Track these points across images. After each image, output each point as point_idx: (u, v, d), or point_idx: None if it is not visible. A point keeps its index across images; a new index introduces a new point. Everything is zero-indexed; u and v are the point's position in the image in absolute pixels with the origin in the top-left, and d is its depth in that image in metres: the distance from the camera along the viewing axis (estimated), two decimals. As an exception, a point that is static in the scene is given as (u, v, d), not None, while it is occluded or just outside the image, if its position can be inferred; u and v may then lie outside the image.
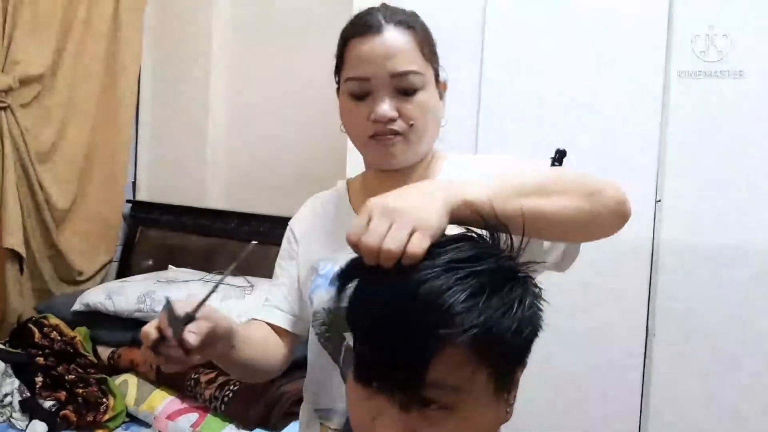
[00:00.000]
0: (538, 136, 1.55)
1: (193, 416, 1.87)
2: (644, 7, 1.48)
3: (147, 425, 1.93)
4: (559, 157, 1.02)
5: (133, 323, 2.07)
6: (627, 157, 1.48)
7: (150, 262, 2.68)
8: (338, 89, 0.99)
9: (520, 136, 1.58)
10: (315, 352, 1.01)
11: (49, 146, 2.57)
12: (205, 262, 2.45)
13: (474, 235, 0.66)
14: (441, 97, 1.00)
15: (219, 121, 2.69)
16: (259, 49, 2.56)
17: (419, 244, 0.62)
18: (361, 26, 0.94)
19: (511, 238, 0.67)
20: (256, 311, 1.08)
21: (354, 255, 0.66)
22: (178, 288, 2.05)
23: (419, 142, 0.95)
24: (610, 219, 0.86)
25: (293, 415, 1.76)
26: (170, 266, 2.51)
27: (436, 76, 0.98)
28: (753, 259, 1.38)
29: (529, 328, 0.62)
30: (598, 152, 1.51)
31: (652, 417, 1.47)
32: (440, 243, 0.63)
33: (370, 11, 0.96)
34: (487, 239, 0.66)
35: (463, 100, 1.62)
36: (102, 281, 2.72)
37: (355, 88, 0.94)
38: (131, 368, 2.07)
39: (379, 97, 0.92)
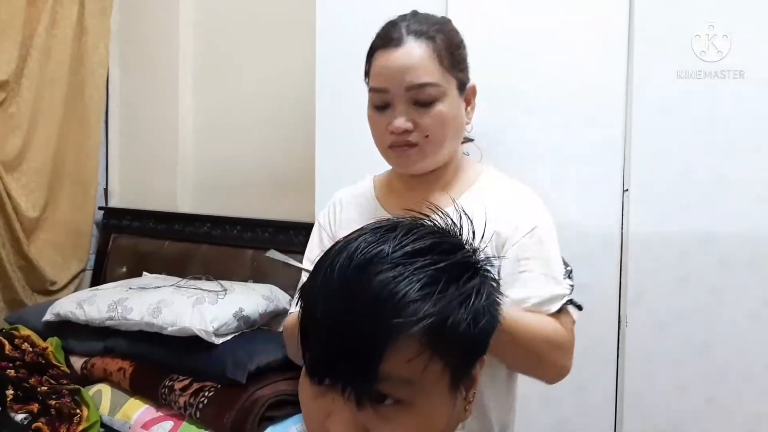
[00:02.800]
0: (504, 128, 1.55)
1: (168, 424, 1.83)
2: (605, 6, 1.48)
3: (122, 435, 1.89)
4: (577, 306, 1.08)
5: (104, 332, 2.03)
6: (593, 147, 1.49)
7: (123, 270, 2.64)
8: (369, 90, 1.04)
9: (486, 128, 1.57)
10: None
11: (15, 154, 2.52)
12: (179, 268, 2.42)
13: (433, 225, 0.65)
14: (469, 102, 1.04)
15: (188, 125, 2.66)
16: (226, 52, 2.54)
17: None
18: (384, 38, 0.99)
19: (474, 233, 0.67)
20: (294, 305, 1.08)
21: None
22: (149, 294, 2.01)
23: (436, 152, 1.00)
24: (548, 377, 1.04)
25: (269, 420, 1.75)
26: (144, 273, 2.48)
27: (461, 83, 1.01)
28: (721, 246, 1.39)
29: (485, 318, 0.61)
30: (565, 142, 1.51)
31: (627, 407, 1.48)
32: (399, 234, 0.62)
33: (396, 22, 1.00)
34: (448, 230, 0.65)
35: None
36: (76, 290, 2.67)
37: (376, 99, 0.99)
38: (105, 378, 2.02)
39: (396, 108, 0.97)
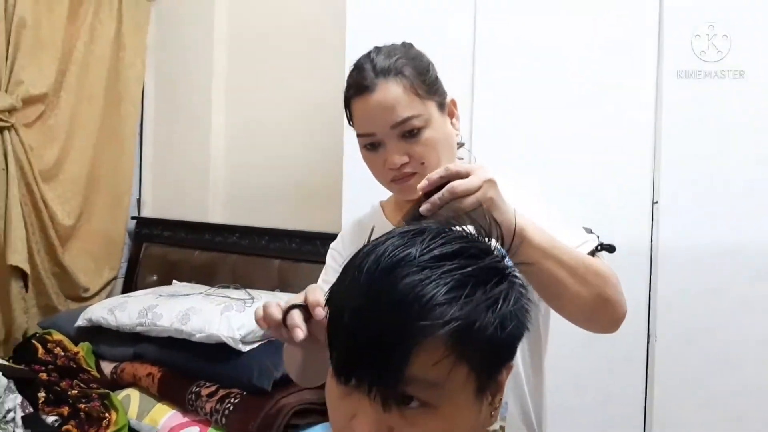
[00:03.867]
0: (532, 141, 1.55)
1: (195, 429, 1.86)
2: (637, 10, 1.48)
3: (150, 439, 1.92)
4: (608, 248, 1.04)
5: (134, 338, 2.07)
6: (622, 158, 1.48)
7: (154, 278, 2.69)
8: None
9: (514, 142, 1.58)
10: None
11: (52, 164, 2.60)
12: (208, 276, 2.46)
13: (462, 230, 0.66)
14: (453, 114, 1.07)
15: (220, 137, 2.72)
16: (259, 68, 2.60)
17: None
18: (356, 86, 1.02)
19: (502, 239, 0.67)
20: None
21: None
22: (178, 302, 2.04)
23: None
24: (601, 325, 1.00)
25: (293, 428, 1.76)
26: (174, 281, 2.52)
27: (440, 104, 1.04)
28: (753, 259, 1.37)
29: (513, 323, 0.61)
30: (594, 154, 1.50)
31: (655, 422, 1.45)
32: (426, 237, 0.62)
33: (362, 65, 1.03)
34: (476, 235, 0.66)
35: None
36: (107, 297, 2.73)
37: (367, 141, 1.03)
38: (134, 383, 2.06)
39: (388, 146, 1.01)
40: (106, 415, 1.92)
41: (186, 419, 1.90)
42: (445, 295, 0.57)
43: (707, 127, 1.41)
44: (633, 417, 1.47)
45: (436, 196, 0.83)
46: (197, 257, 2.62)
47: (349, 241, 1.13)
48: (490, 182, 0.85)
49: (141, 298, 2.19)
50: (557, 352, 1.49)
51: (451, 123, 1.08)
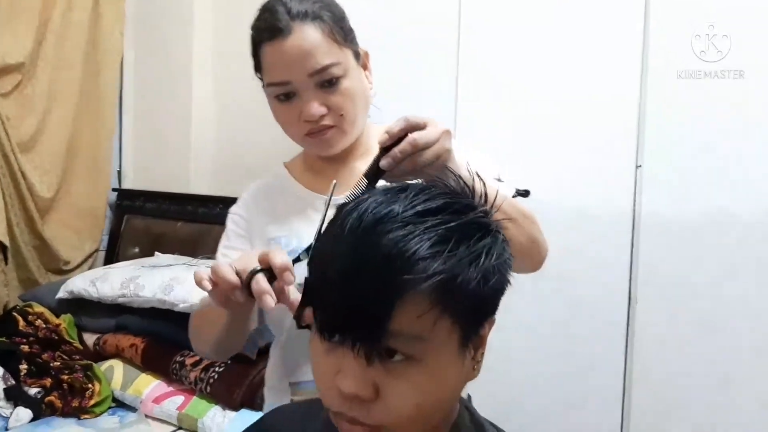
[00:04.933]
0: (517, 105, 1.55)
1: (179, 399, 1.86)
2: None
3: (133, 409, 1.92)
4: (523, 194, 1.02)
5: (117, 309, 2.06)
6: (606, 122, 1.48)
7: (136, 250, 2.67)
8: (263, 85, 1.00)
9: (498, 106, 1.58)
10: (289, 327, 1.00)
11: (30, 135, 2.54)
12: (191, 248, 2.44)
13: (445, 186, 0.66)
14: (366, 67, 1.02)
15: (203, 106, 2.68)
16: (242, 33, 2.53)
17: None
18: (268, 30, 0.94)
19: (486, 194, 0.67)
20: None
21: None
22: (161, 272, 2.03)
23: (353, 127, 0.99)
24: (532, 266, 0.99)
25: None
26: (156, 253, 2.50)
27: (355, 53, 0.99)
28: (736, 224, 1.38)
29: (495, 277, 0.61)
30: (578, 118, 1.50)
31: (635, 385, 1.48)
32: (410, 194, 0.62)
33: (274, 8, 0.95)
34: (459, 191, 0.66)
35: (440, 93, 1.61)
36: (89, 270, 2.70)
37: (279, 91, 0.96)
38: (117, 354, 2.06)
39: (304, 97, 0.94)
40: (90, 386, 1.92)
41: (170, 389, 1.91)
42: (428, 249, 0.57)
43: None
44: (614, 381, 1.50)
45: (396, 149, 0.80)
46: (180, 229, 2.60)
47: (254, 204, 1.07)
48: (447, 133, 0.83)
49: (123, 269, 2.18)
50: (542, 320, 1.52)
51: (365, 76, 1.03)
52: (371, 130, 1.07)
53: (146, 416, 1.87)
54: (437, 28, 1.64)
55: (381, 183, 0.98)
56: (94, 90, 2.74)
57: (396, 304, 0.56)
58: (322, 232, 0.75)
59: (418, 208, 0.60)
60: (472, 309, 0.61)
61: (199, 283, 0.76)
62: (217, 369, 1.81)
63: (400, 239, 0.57)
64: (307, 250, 0.79)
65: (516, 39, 1.56)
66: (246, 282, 0.73)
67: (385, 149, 0.81)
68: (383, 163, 0.80)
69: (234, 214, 1.10)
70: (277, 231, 1.01)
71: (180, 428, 1.84)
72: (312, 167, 1.08)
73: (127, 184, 2.92)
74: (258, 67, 0.99)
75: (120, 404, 1.96)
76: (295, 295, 0.75)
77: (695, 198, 1.41)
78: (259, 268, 0.73)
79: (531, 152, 1.51)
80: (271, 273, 0.73)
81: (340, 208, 0.64)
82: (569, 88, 1.51)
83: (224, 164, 2.65)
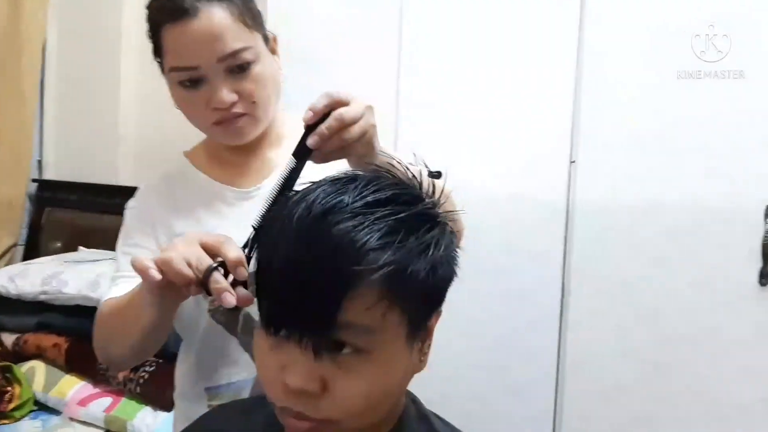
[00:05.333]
0: (456, 99, 1.57)
1: (107, 400, 1.78)
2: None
3: (57, 413, 1.83)
4: (436, 175, 1.02)
5: (38, 307, 1.95)
6: (542, 119, 1.52)
7: (59, 245, 2.54)
8: (161, 69, 0.94)
9: (439, 101, 1.59)
10: (204, 330, 0.95)
11: (-59, 122, 2.37)
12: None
13: (393, 177, 0.65)
14: (275, 52, 0.97)
15: (132, 93, 2.57)
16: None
17: None
18: (171, 11, 0.88)
19: (434, 186, 0.67)
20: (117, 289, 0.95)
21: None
22: (86, 268, 1.94)
23: (266, 114, 0.95)
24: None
25: (214, 392, 1.72)
26: (80, 248, 2.38)
27: (265, 37, 0.95)
28: (664, 216, 1.44)
29: (443, 268, 0.61)
30: (515, 115, 1.53)
31: (569, 372, 1.53)
32: (359, 184, 0.61)
33: None
34: (407, 182, 0.65)
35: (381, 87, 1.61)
36: (7, 266, 2.54)
37: (185, 77, 0.90)
38: (38, 354, 1.94)
39: (213, 83, 0.89)
40: (9, 388, 1.81)
41: (97, 390, 1.82)
42: (378, 240, 0.56)
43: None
44: (548, 370, 1.54)
45: (323, 126, 0.76)
46: (107, 222, 2.47)
47: (155, 198, 1.00)
48: (370, 108, 0.80)
49: (44, 264, 2.07)
50: (475, 312, 1.54)
51: (275, 61, 0.98)
52: (282, 118, 1.03)
53: (71, 419, 1.78)
54: (378, 23, 1.64)
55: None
56: (14, 74, 2.57)
57: (346, 296, 0.55)
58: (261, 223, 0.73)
59: (368, 198, 0.59)
60: (421, 300, 0.61)
61: (143, 271, 0.70)
62: (147, 368, 1.74)
63: (350, 230, 0.56)
64: (244, 247, 0.76)
65: (456, 34, 1.58)
66: (203, 278, 0.68)
67: (309, 127, 0.78)
68: (310, 141, 0.77)
69: (133, 208, 1.02)
70: (185, 226, 0.96)
71: (108, 431, 1.76)
72: (218, 157, 1.02)
73: (49, 175, 2.77)
74: (158, 51, 0.93)
75: (42, 407, 1.86)
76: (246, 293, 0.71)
77: (626, 192, 1.47)
78: (215, 264, 0.69)
79: (469, 148, 1.53)
80: (224, 267, 0.70)
81: (287, 198, 0.63)
82: (507, 87, 1.55)
83: (154, 154, 2.55)
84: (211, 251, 0.71)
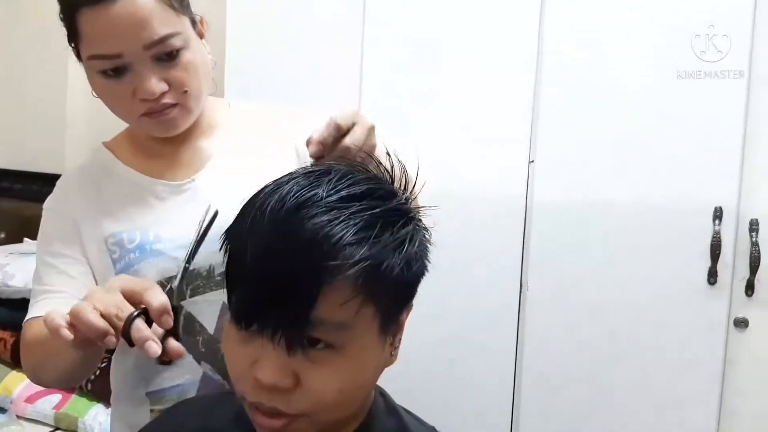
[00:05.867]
0: (417, 97, 1.58)
1: (56, 398, 1.73)
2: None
3: (3, 410, 1.76)
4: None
5: (-8, 301, 1.88)
6: (503, 121, 1.54)
7: (2, 236, 2.44)
8: (77, 56, 0.88)
9: (402, 98, 1.59)
10: None
11: None
12: (67, 234, 2.26)
13: (367, 171, 0.65)
14: (203, 36, 0.92)
15: (80, 76, 2.46)
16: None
17: None
18: None
19: (406, 180, 0.67)
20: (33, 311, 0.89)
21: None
22: (33, 260, 1.86)
23: (198, 103, 0.90)
24: None
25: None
26: (25, 239, 2.29)
27: (192, 20, 0.89)
28: (615, 213, 1.48)
29: (417, 264, 0.62)
30: (477, 121, 1.55)
31: (525, 367, 1.56)
32: (333, 178, 0.60)
33: None
34: (380, 176, 0.65)
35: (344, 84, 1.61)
36: (-56, 258, 2.43)
37: (107, 66, 0.83)
38: (-19, 350, 1.87)
39: (139, 72, 0.82)
40: (-51, 386, 1.74)
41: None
42: (354, 235, 0.56)
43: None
44: (506, 362, 1.57)
45: (328, 159, 0.74)
46: (54, 213, 2.40)
47: (77, 196, 0.93)
48: (373, 129, 0.78)
49: (-7, 257, 1.98)
50: (435, 306, 1.56)
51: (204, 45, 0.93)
52: (212, 105, 0.98)
53: (18, 417, 1.71)
54: (341, 27, 1.63)
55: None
56: (-48, 57, 2.45)
57: (321, 291, 0.55)
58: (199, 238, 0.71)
59: (342, 193, 0.59)
60: (395, 295, 0.61)
61: (55, 331, 0.65)
62: (99, 365, 1.69)
63: (326, 224, 0.56)
64: (188, 260, 0.74)
65: (416, 31, 1.59)
66: (124, 330, 0.65)
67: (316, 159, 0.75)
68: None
69: (51, 210, 0.94)
70: (115, 226, 0.90)
71: (57, 429, 1.71)
72: (144, 148, 0.95)
73: (-6, 164, 2.66)
74: (73, 36, 0.85)
75: (-14, 405, 1.79)
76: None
77: (581, 191, 1.50)
78: (136, 312, 0.66)
79: (431, 146, 1.54)
80: (146, 313, 0.67)
81: (260, 191, 0.62)
82: (469, 87, 1.56)
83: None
84: (133, 299, 0.68)
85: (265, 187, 0.62)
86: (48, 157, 2.49)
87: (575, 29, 1.49)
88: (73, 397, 1.72)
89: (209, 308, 0.89)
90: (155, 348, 0.64)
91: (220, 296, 0.88)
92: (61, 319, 0.65)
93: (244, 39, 1.70)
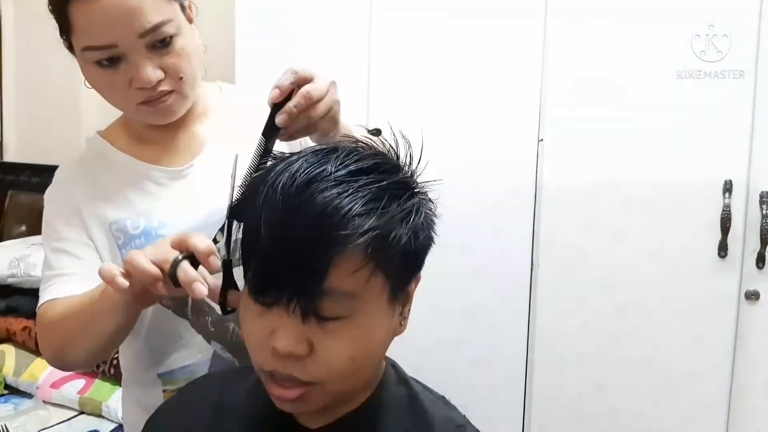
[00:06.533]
0: (430, 86, 1.59)
1: (80, 383, 1.78)
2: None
3: (29, 396, 1.81)
4: (375, 132, 1.03)
5: (6, 290, 1.92)
6: (511, 99, 1.55)
7: (23, 228, 2.48)
8: (69, 48, 0.88)
9: (410, 80, 1.61)
10: (152, 315, 0.91)
11: None
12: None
13: (372, 147, 0.67)
14: (191, 20, 0.91)
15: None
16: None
17: None
18: None
19: (411, 156, 0.69)
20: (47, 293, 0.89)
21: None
22: (56, 249, 1.91)
23: (193, 89, 0.90)
24: None
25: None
26: (46, 231, 2.34)
27: (182, 5, 0.89)
28: (623, 193, 1.49)
29: (424, 234, 0.63)
30: (485, 100, 1.56)
31: (537, 343, 1.58)
32: (341, 154, 0.63)
33: None
34: (386, 152, 0.67)
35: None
36: (-32, 251, 2.48)
37: (102, 56, 0.83)
38: (8, 338, 1.92)
39: (135, 61, 0.82)
40: (-23, 373, 1.79)
41: (70, 372, 1.81)
42: (362, 206, 0.58)
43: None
44: (518, 339, 1.59)
45: (290, 104, 0.76)
46: (73, 205, 2.44)
47: (77, 186, 0.93)
48: (334, 84, 0.80)
49: (11, 248, 2.03)
50: (448, 284, 1.58)
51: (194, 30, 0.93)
52: (206, 89, 0.99)
53: (44, 402, 1.76)
54: (348, 20, 1.64)
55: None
56: (-32, 54, 2.49)
57: (332, 260, 0.57)
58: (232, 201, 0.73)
59: (350, 167, 0.61)
60: (403, 265, 0.63)
61: (111, 280, 0.67)
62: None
63: (335, 197, 0.58)
64: (222, 229, 0.76)
65: (424, 17, 1.59)
66: (170, 272, 0.67)
67: (276, 105, 0.76)
68: (279, 119, 0.76)
69: (53, 200, 0.95)
70: (117, 213, 0.91)
71: (82, 413, 1.76)
72: (140, 135, 0.96)
73: (10, 157, 2.70)
74: (64, 28, 0.85)
75: (13, 391, 1.84)
76: (214, 281, 0.70)
77: (589, 170, 1.51)
78: (181, 256, 0.68)
79: (441, 125, 1.55)
80: (192, 259, 0.69)
81: (269, 168, 0.64)
82: (477, 66, 1.57)
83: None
84: (180, 247, 0.70)
85: (275, 165, 0.64)
86: (64, 150, 2.54)
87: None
88: (97, 381, 1.77)
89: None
90: (201, 288, 0.65)
91: None
92: (115, 270, 0.67)
93: (253, 38, 1.72)
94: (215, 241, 0.75)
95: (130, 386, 0.98)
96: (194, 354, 0.91)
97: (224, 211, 0.70)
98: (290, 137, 0.80)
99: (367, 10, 1.62)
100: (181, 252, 0.69)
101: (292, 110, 0.76)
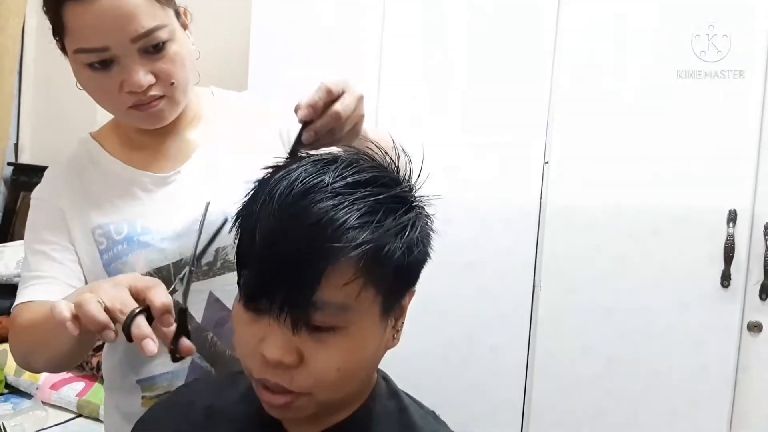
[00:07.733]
0: (438, 105, 1.60)
1: (79, 385, 1.79)
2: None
3: (29, 396, 1.82)
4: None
5: (12, 289, 1.93)
6: (518, 122, 1.56)
7: (34, 229, 2.50)
8: (62, 50, 0.88)
9: (418, 98, 1.62)
10: None
11: None
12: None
13: (372, 159, 0.67)
14: (186, 26, 0.92)
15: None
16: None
17: None
18: None
19: (411, 170, 0.69)
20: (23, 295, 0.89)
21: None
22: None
23: (184, 95, 0.90)
24: None
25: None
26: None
27: (176, 11, 0.89)
28: (629, 214, 1.49)
29: (418, 249, 0.64)
30: (492, 123, 1.58)
31: (537, 367, 1.57)
32: (340, 166, 0.63)
33: None
34: (385, 165, 0.68)
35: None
36: (-22, 250, 2.51)
37: (94, 59, 0.83)
38: (11, 337, 1.93)
39: (127, 65, 0.82)
40: (-21, 371, 1.80)
41: (70, 374, 1.82)
42: (357, 219, 0.58)
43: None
44: (518, 361, 1.58)
45: (319, 124, 0.76)
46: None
47: (64, 187, 0.93)
48: (361, 99, 0.79)
49: (19, 247, 2.04)
50: (449, 305, 1.58)
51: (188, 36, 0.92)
52: (198, 95, 0.99)
53: (43, 403, 1.77)
54: (360, 29, 1.67)
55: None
56: (-9, 57, 2.54)
57: (325, 272, 0.57)
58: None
59: (348, 179, 0.62)
60: (396, 279, 0.63)
61: (61, 324, 0.65)
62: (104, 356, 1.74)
63: (330, 209, 0.58)
64: (182, 279, 0.75)
65: (433, 31, 1.61)
66: (125, 325, 0.65)
67: (306, 122, 0.77)
68: (305, 137, 0.76)
69: (39, 200, 0.94)
70: (102, 217, 0.91)
71: (80, 415, 1.76)
72: (131, 140, 0.95)
73: (25, 159, 2.74)
74: (58, 30, 0.85)
75: (13, 390, 1.85)
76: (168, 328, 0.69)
77: (594, 195, 1.51)
78: (138, 309, 0.66)
79: (446, 146, 1.56)
80: (149, 311, 0.68)
81: (269, 176, 0.65)
82: (485, 88, 1.58)
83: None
84: (138, 296, 0.68)
85: (275, 172, 0.65)
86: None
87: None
88: (96, 385, 1.78)
89: (197, 297, 0.89)
90: (152, 346, 0.64)
91: (207, 285, 0.91)
92: (67, 312, 0.66)
93: (268, 40, 1.74)
94: (174, 290, 0.74)
95: (111, 392, 0.99)
96: (169, 362, 0.91)
97: (214, 223, 0.69)
98: (312, 149, 0.79)
99: (379, 18, 1.63)
100: (138, 302, 0.68)
101: (319, 129, 0.76)
